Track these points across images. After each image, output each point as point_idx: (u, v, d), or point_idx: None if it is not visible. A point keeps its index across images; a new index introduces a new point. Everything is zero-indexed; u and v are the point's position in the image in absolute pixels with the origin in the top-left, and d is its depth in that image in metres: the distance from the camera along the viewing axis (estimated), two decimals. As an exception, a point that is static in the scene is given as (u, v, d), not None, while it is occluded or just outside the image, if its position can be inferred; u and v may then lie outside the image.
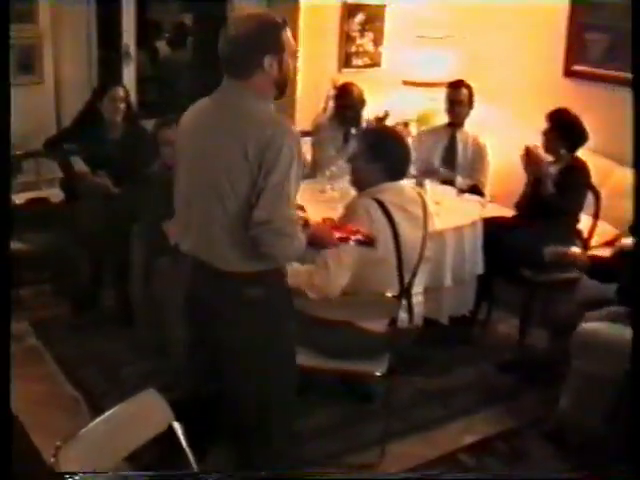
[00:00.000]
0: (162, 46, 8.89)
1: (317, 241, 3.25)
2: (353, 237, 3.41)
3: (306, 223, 3.16)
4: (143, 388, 2.75)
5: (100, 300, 5.42)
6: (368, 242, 3.50)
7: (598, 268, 4.45)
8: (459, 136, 6.01)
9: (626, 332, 4.11)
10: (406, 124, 7.01)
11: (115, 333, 5.06)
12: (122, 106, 5.51)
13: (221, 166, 2.93)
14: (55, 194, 5.84)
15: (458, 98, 5.95)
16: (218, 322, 3.10)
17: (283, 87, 3.07)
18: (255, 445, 3.25)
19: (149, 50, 8.47)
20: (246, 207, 2.91)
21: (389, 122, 6.44)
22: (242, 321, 3.06)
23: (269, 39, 2.97)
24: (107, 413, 2.61)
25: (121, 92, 5.54)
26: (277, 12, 6.13)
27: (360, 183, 4.07)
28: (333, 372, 4.01)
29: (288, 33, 3.03)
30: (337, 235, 3.35)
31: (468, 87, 5.97)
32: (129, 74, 6.56)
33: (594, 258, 4.59)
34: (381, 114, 5.90)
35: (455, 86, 5.99)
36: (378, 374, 3.95)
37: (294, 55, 3.12)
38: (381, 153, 3.93)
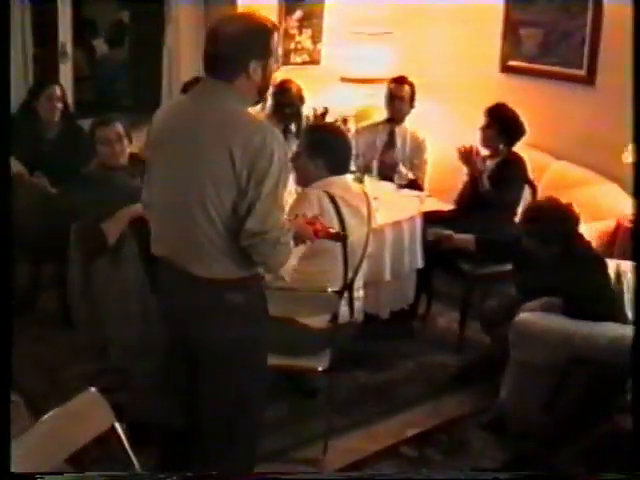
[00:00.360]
0: (99, 44, 8.80)
1: (299, 238, 3.27)
2: (326, 231, 3.44)
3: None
4: (84, 390, 2.73)
5: (39, 301, 5.35)
6: (339, 237, 3.55)
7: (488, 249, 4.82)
8: (398, 131, 6.05)
9: (560, 321, 4.21)
10: (345, 120, 7.05)
11: (55, 335, 5.01)
12: (59, 105, 5.45)
13: (204, 171, 2.85)
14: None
15: (399, 94, 5.99)
16: (194, 327, 3.07)
17: (264, 92, 3.03)
18: (224, 446, 3.22)
19: (86, 48, 8.38)
20: (232, 215, 2.86)
21: (328, 119, 6.49)
22: (221, 326, 3.02)
23: (258, 44, 2.91)
24: (47, 415, 2.59)
25: (58, 91, 5.48)
26: (215, 12, 6.19)
27: (305, 180, 4.09)
28: (276, 368, 4.01)
29: (276, 38, 2.97)
30: (313, 229, 3.38)
31: (410, 84, 6.01)
32: (66, 73, 6.48)
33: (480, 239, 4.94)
34: (320, 111, 5.92)
35: (397, 82, 6.03)
36: (320, 369, 3.97)
37: (277, 60, 3.09)
38: (323, 148, 3.97)
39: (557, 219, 4.29)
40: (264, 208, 2.83)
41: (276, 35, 2.97)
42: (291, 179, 4.34)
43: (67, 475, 2.48)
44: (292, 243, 3.01)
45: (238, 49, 2.88)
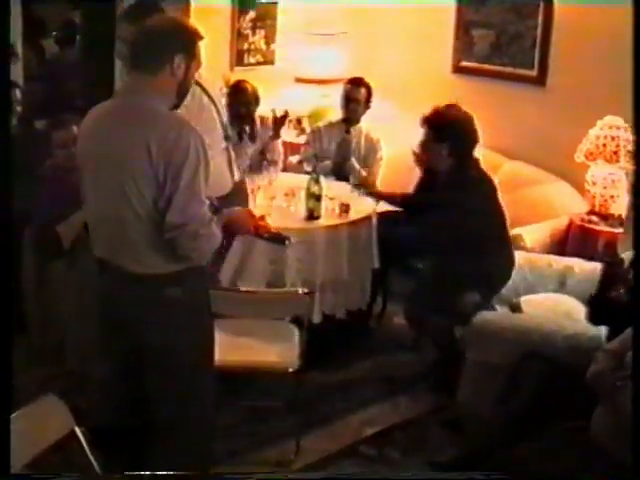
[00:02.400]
0: (49, 44, 8.69)
1: (234, 228, 3.32)
2: (267, 229, 3.44)
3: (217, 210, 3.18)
4: (39, 395, 2.71)
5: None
6: (279, 239, 3.54)
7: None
8: (353, 132, 6.07)
9: (517, 319, 4.26)
10: (299, 120, 7.08)
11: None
12: (16, 107, 5.36)
13: (126, 168, 2.92)
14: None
15: (355, 96, 6.00)
16: (137, 325, 3.07)
17: (183, 95, 3.10)
18: (177, 444, 3.23)
19: (35, 49, 8.27)
20: (155, 210, 2.92)
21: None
22: (162, 322, 3.04)
23: (184, 39, 3.02)
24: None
25: (17, 92, 5.39)
26: (169, 12, 6.14)
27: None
28: (243, 368, 4.00)
29: (201, 48, 3.09)
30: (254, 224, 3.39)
31: (366, 86, 6.02)
32: (16, 73, 6.39)
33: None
34: (280, 112, 5.89)
35: (353, 84, 6.03)
36: (290, 370, 4.00)
37: (198, 69, 3.15)
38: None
39: (460, 124, 4.40)
40: (182, 201, 2.89)
41: (201, 45, 3.09)
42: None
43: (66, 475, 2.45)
44: (217, 232, 3.03)
45: (164, 40, 3.00)
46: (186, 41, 3.03)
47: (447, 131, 4.39)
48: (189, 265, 3.04)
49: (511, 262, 4.67)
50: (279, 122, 5.67)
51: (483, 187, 4.53)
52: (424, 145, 4.54)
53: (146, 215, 2.94)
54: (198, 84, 3.81)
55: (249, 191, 4.72)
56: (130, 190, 2.91)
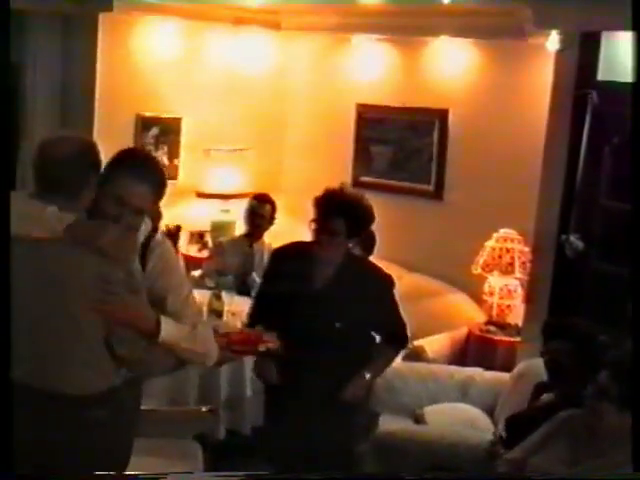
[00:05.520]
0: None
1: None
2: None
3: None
4: None
5: None
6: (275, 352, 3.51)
7: None
8: (256, 246, 6.12)
9: (417, 430, 4.30)
10: (201, 235, 7.10)
11: None
12: None
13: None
14: None
15: (260, 212, 6.06)
16: (53, 448, 2.92)
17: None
18: None
19: None
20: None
21: (182, 234, 6.51)
22: (84, 444, 2.92)
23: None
24: None
25: None
26: (75, 124, 6.17)
27: None
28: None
29: None
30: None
31: (271, 202, 6.10)
32: None
33: None
34: (173, 227, 5.92)
35: (259, 200, 6.11)
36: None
37: None
38: None
39: (361, 210, 3.79)
40: None
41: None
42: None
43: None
44: None
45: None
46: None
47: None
48: (119, 383, 2.96)
49: None
50: (171, 236, 5.68)
51: None
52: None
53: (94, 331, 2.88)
54: None
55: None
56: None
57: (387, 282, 3.88)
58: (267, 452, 3.86)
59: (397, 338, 3.86)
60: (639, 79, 3.52)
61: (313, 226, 3.75)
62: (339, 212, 3.64)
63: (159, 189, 2.96)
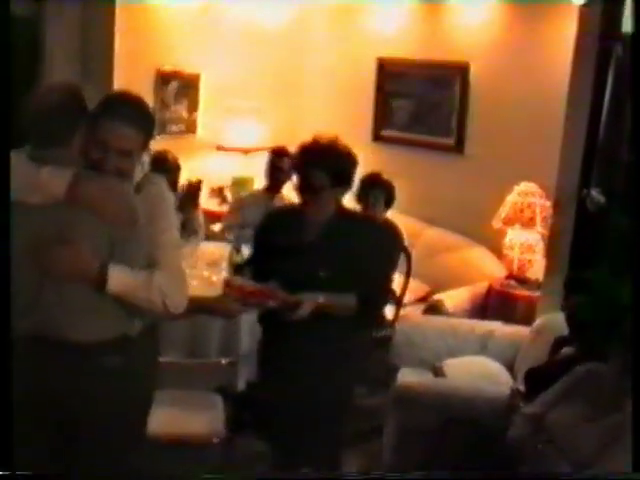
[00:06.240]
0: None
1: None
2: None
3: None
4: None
5: None
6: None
7: None
8: (277, 201, 6.11)
9: (437, 383, 4.31)
10: (221, 189, 7.11)
11: None
12: None
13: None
14: None
15: (279, 166, 6.05)
16: (71, 398, 2.95)
17: None
18: None
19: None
20: None
21: (203, 187, 6.51)
22: (100, 394, 2.93)
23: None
24: None
25: None
26: (94, 80, 6.17)
27: None
28: (168, 440, 3.95)
29: None
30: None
31: (290, 155, 6.08)
32: None
33: None
34: (194, 180, 5.91)
35: (277, 154, 6.09)
36: (216, 440, 3.97)
37: None
38: None
39: (339, 158, 3.56)
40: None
41: None
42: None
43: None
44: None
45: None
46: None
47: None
48: (134, 331, 2.97)
49: None
50: (193, 190, 5.69)
51: None
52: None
53: None
54: None
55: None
56: None
57: (379, 241, 3.74)
58: (258, 410, 3.76)
59: (362, 299, 3.52)
60: (638, 81, 3.46)
61: (295, 185, 3.60)
62: (315, 166, 3.46)
63: (145, 129, 2.93)
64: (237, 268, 3.90)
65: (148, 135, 2.96)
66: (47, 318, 2.93)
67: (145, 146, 2.99)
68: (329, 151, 3.51)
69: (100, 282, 2.82)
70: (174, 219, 3.05)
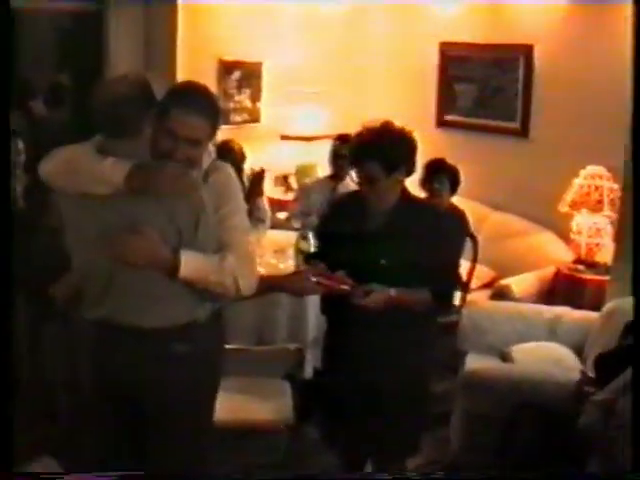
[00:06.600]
0: (38, 106, 8.76)
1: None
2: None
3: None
4: (34, 457, 2.70)
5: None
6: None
7: None
8: (341, 188, 6.12)
9: (507, 369, 4.28)
10: (285, 177, 7.14)
11: None
12: (21, 158, 5.35)
13: None
14: None
15: (343, 153, 6.03)
16: (140, 384, 3.00)
17: None
18: None
19: (23, 110, 8.33)
20: None
21: (267, 176, 6.55)
22: (168, 380, 2.98)
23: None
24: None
25: (19, 144, 5.40)
26: (158, 71, 6.23)
27: None
28: (237, 426, 3.99)
29: None
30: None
31: None
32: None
33: None
34: (257, 170, 5.96)
35: (341, 141, 6.08)
36: (284, 426, 4.01)
37: None
38: None
39: (392, 143, 3.45)
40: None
41: None
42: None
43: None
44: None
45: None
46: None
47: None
48: (202, 317, 3.02)
49: None
50: (258, 179, 5.73)
51: None
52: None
53: None
54: None
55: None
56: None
57: (445, 228, 3.67)
58: (327, 398, 3.72)
59: (438, 293, 3.48)
60: (638, 80, 3.33)
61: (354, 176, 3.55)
62: (367, 156, 3.38)
63: (213, 118, 2.95)
64: (306, 258, 3.87)
65: (216, 124, 2.98)
66: (118, 306, 2.98)
67: (213, 135, 3.02)
68: (380, 139, 3.41)
69: (173, 268, 2.85)
70: (242, 204, 3.06)
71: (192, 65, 6.58)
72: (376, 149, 3.39)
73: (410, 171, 3.52)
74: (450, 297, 3.73)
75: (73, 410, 4.14)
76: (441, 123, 7.00)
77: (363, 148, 3.43)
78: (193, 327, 2.99)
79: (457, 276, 3.86)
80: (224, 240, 2.94)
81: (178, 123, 2.88)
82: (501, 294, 5.48)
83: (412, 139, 3.50)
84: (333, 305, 3.55)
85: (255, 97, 7.15)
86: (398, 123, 3.51)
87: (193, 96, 2.95)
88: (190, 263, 2.86)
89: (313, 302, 4.74)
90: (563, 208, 5.80)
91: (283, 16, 7.16)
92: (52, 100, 8.75)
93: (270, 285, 3.49)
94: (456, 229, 5.29)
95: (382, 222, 3.46)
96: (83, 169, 2.86)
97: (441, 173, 5.32)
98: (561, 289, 5.71)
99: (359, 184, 3.51)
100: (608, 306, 4.72)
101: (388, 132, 3.45)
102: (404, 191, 3.53)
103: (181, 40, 6.53)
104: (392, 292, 3.32)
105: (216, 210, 2.94)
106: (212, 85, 6.87)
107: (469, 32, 6.75)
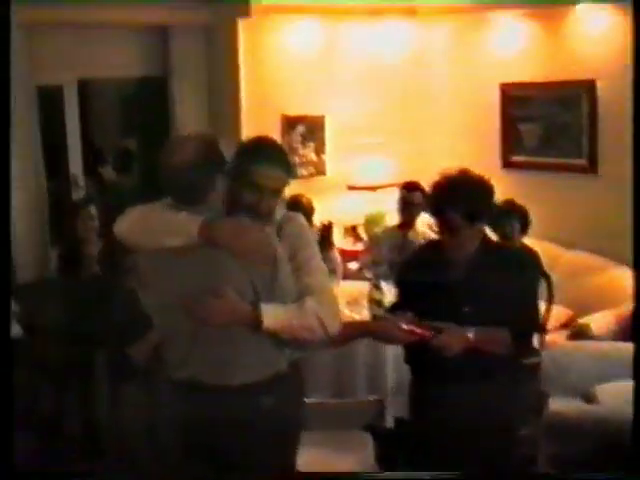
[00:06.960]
0: (107, 171, 8.96)
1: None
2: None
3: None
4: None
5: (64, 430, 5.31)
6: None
7: None
8: (410, 235, 6.11)
9: (589, 410, 4.19)
10: (354, 228, 7.16)
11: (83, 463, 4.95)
12: (94, 223, 5.45)
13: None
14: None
15: (412, 200, 6.04)
16: (228, 440, 3.00)
17: None
18: None
19: (94, 177, 8.54)
20: None
21: (336, 227, 6.57)
22: (257, 434, 2.97)
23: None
24: None
25: (92, 210, 5.52)
26: (223, 129, 6.33)
27: None
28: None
29: None
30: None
31: (422, 190, 6.06)
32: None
33: None
34: (326, 223, 6.00)
35: (410, 189, 6.08)
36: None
37: None
38: None
39: (470, 193, 3.46)
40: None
41: None
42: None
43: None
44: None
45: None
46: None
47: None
48: (284, 369, 3.02)
49: None
50: (326, 231, 5.77)
51: None
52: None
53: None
54: None
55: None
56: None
57: (525, 272, 3.67)
58: (412, 447, 3.70)
59: (519, 335, 3.47)
60: (638, 92, 3.30)
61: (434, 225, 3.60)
62: (448, 207, 3.40)
63: (289, 168, 3.06)
64: (391, 308, 3.86)
65: (290, 175, 3.08)
66: (204, 365, 2.98)
67: (287, 184, 3.09)
68: (460, 189, 3.43)
69: (256, 322, 2.86)
70: (317, 250, 3.10)
71: (256, 122, 6.68)
72: (457, 200, 3.41)
73: (490, 218, 3.52)
74: (530, 337, 3.69)
75: (156, 470, 4.15)
76: (507, 164, 6.96)
77: (443, 198, 3.45)
78: (277, 379, 3.00)
79: (537, 316, 3.82)
80: (303, 285, 2.95)
81: (261, 176, 2.95)
82: (579, 333, 5.39)
83: (490, 186, 3.53)
84: (417, 354, 3.53)
85: (319, 150, 7.22)
86: (464, 166, 3.51)
87: (270, 149, 3.06)
88: (271, 312, 2.88)
89: (392, 351, 4.73)
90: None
91: (343, 68, 7.24)
92: (121, 166, 8.96)
93: (360, 330, 3.49)
94: (531, 270, 5.23)
95: (464, 270, 3.46)
96: (158, 223, 2.92)
97: (511, 215, 5.28)
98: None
99: (439, 233, 3.51)
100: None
101: (467, 182, 3.47)
102: (484, 236, 3.55)
103: (244, 98, 6.65)
104: (470, 333, 3.29)
105: (292, 259, 2.96)
106: (277, 140, 6.96)
107: (529, 71, 6.75)
